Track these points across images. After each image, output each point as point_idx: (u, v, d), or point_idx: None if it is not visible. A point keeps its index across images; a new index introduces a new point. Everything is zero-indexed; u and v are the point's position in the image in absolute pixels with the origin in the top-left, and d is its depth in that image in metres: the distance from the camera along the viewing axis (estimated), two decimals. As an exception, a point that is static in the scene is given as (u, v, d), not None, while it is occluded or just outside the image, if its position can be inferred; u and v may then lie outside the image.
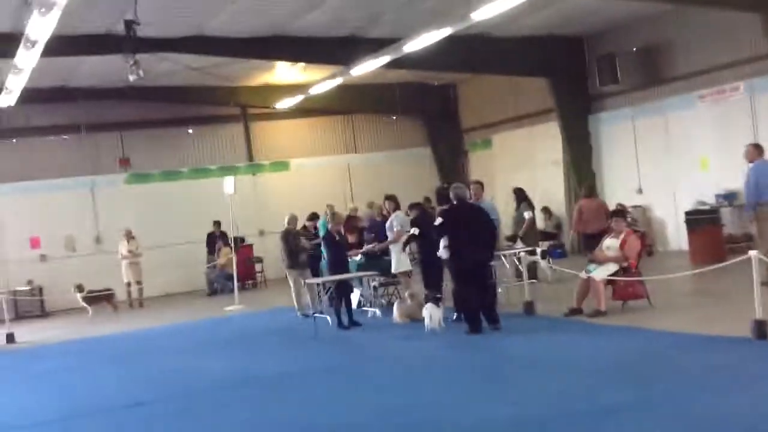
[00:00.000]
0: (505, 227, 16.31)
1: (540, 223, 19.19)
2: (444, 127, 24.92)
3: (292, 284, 14.22)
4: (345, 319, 12.46)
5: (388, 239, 13.71)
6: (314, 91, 20.02)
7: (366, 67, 17.07)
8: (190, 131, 23.11)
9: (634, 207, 18.39)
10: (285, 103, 21.89)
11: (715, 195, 16.67)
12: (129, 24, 13.79)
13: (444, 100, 24.96)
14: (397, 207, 14.04)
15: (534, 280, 13.83)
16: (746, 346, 8.25)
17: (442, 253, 11.15)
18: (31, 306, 19.94)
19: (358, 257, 14.42)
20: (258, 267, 22.23)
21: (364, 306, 14.08)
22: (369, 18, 16.32)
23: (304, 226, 14.62)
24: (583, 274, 11.29)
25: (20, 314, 19.44)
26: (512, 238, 15.49)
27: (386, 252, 13.98)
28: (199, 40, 16.46)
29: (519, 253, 12.86)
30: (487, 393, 7.88)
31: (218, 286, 20.95)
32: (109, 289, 19.18)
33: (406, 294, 12.66)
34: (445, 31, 14.40)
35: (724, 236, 15.77)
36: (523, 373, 8.62)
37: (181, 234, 21.87)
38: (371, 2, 15.28)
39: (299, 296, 14.15)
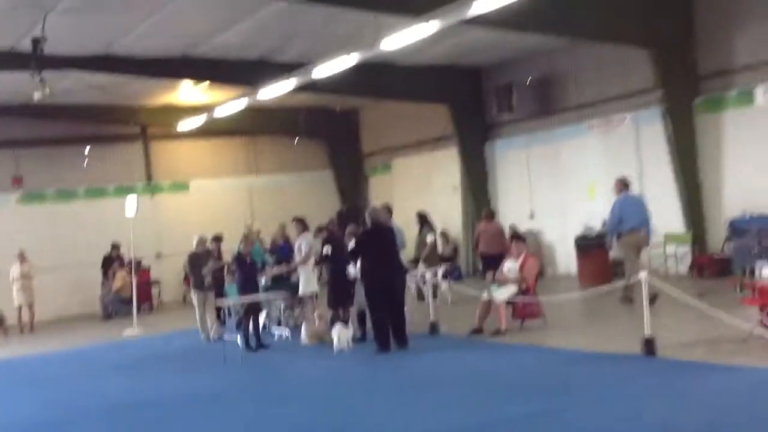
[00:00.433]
0: (408, 250, 16.75)
1: (438, 247, 19.74)
2: (346, 151, 25.37)
3: (196, 307, 14.18)
4: (253, 342, 12.56)
5: (296, 261, 13.91)
6: (219, 112, 20.08)
7: (274, 91, 17.31)
8: (87, 150, 22.66)
9: (526, 231, 19.17)
10: (187, 124, 21.82)
11: (602, 221, 17.57)
12: (36, 41, 13.60)
13: (346, 125, 25.40)
14: (305, 229, 14.24)
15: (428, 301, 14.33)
16: (637, 362, 8.87)
17: (352, 272, 11.46)
18: None
19: (262, 280, 14.54)
20: (155, 290, 21.94)
21: (269, 328, 14.20)
22: (279, 42, 16.58)
23: (208, 249, 14.61)
24: (484, 296, 11.81)
25: None
26: (415, 261, 15.96)
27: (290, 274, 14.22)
28: (108, 59, 16.40)
29: (425, 274, 13.28)
30: (400, 409, 8.20)
31: (113, 309, 20.56)
32: (-1, 312, 18.63)
33: (315, 315, 12.88)
34: (354, 58, 14.84)
35: (609, 261, 16.66)
36: (433, 389, 8.98)
37: (75, 256, 21.44)
38: (282, 27, 15.52)
39: (203, 319, 14.13)
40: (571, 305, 13.40)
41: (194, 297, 14.14)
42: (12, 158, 21.77)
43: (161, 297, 22.02)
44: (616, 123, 17.56)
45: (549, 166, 19.32)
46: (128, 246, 19.51)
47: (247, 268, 12.82)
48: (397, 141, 23.68)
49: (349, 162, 25.44)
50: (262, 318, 13.66)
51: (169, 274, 22.56)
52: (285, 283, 14.39)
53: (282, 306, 14.04)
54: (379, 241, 11.17)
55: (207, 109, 20.94)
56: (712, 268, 14.88)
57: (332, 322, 12.48)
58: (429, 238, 16.08)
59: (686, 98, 15.64)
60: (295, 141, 25.11)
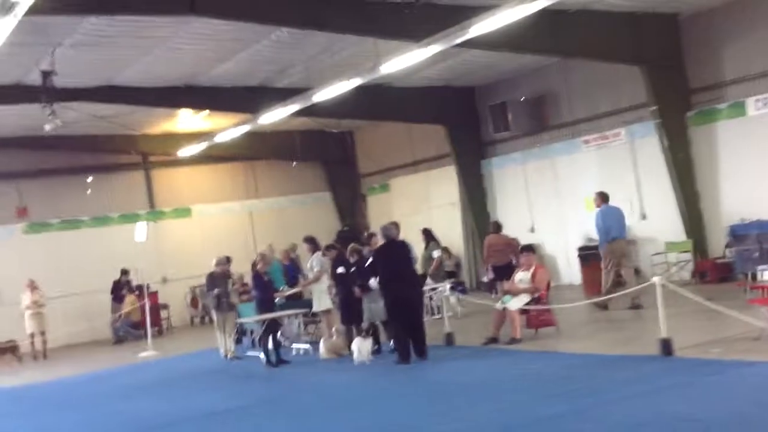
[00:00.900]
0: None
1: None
2: (343, 172, 25.84)
3: (217, 326, 14.51)
4: (273, 358, 12.92)
5: (308, 279, 14.30)
6: (220, 138, 20.46)
7: (274, 116, 17.68)
8: (90, 179, 22.99)
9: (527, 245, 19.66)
10: (188, 151, 22.16)
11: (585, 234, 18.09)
12: (47, 74, 14.00)
13: (342, 147, 25.85)
14: (316, 248, 14.64)
15: (441, 315, 14.75)
16: (655, 362, 9.30)
17: (373, 285, 11.86)
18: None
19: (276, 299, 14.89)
20: (163, 314, 22.23)
21: (284, 345, 14.51)
22: (278, 69, 17.03)
23: (226, 270, 14.92)
24: (498, 306, 12.25)
25: None
26: (422, 276, 16.34)
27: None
28: (111, 90, 16.83)
29: (438, 289, 13.70)
30: (431, 414, 8.56)
31: (124, 334, 20.84)
32: (12, 341, 18.83)
33: (333, 330, 13.26)
34: (354, 82, 15.28)
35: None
36: (459, 394, 9.34)
37: (82, 283, 21.67)
38: (281, 55, 15.98)
39: (224, 338, 14.45)
40: (580, 313, 13.85)
41: (215, 317, 14.46)
42: (16, 189, 22.06)
43: (170, 320, 22.27)
44: (610, 137, 18.12)
45: (546, 180, 19.82)
46: (136, 271, 19.91)
47: (264, 287, 13.18)
48: (394, 161, 24.17)
49: (346, 182, 25.90)
50: (279, 335, 14.00)
51: (174, 298, 22.88)
52: (297, 301, 14.78)
53: (299, 322, 14.37)
54: (395, 255, 11.59)
55: (207, 135, 21.31)
56: (714, 273, 15.40)
57: (347, 338, 12.93)
58: (435, 254, 16.54)
59: (679, 111, 16.21)
60: (293, 164, 25.54)
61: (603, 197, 14.58)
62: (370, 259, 11.84)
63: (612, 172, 18.05)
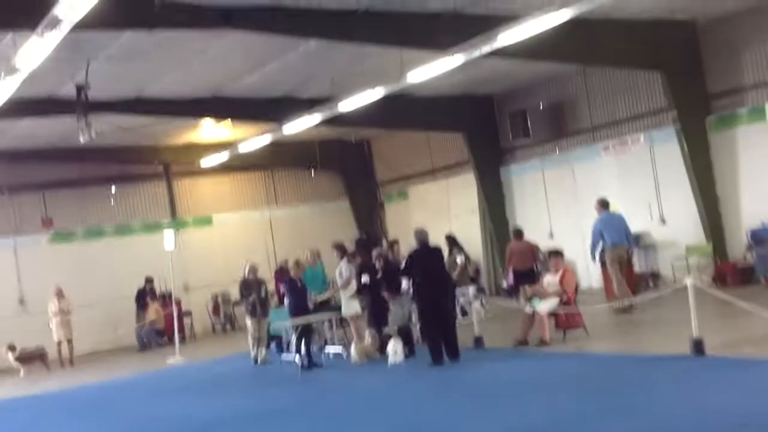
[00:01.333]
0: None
1: (466, 268, 20.46)
2: (360, 180, 26.12)
3: (250, 332, 14.75)
4: (306, 361, 13.17)
5: (338, 284, 14.56)
6: (243, 148, 20.78)
7: (298, 126, 18.00)
8: (113, 190, 23.37)
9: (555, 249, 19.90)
10: (210, 161, 22.51)
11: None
12: (80, 88, 14.34)
13: (360, 155, 26.15)
14: (344, 254, 14.89)
15: (467, 318, 15.06)
16: (688, 361, 9.52)
17: (405, 286, 12.15)
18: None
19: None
20: (187, 321, 22.53)
21: (316, 349, 14.75)
22: (303, 80, 17.33)
23: (257, 277, 15.20)
24: (528, 309, 12.49)
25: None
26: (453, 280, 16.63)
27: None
28: (140, 102, 17.16)
29: (466, 293, 13.99)
30: (470, 413, 8.80)
31: (148, 341, 21.14)
32: (40, 348, 19.14)
33: (366, 333, 13.51)
34: (379, 92, 15.57)
35: (635, 273, 17.38)
36: (496, 394, 9.58)
37: (106, 292, 21.98)
38: (308, 67, 16.26)
39: (258, 344, 14.69)
40: (605, 316, 14.08)
41: (248, 322, 14.72)
42: (41, 200, 22.46)
43: (193, 328, 22.58)
44: (630, 143, 18.37)
45: (565, 187, 20.06)
46: (162, 279, 20.23)
47: (298, 292, 13.46)
48: (412, 169, 24.45)
49: (364, 191, 26.16)
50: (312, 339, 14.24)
51: (196, 305, 23.19)
52: (326, 306, 15.04)
53: (329, 326, 14.62)
54: (428, 260, 11.88)
55: (228, 145, 21.67)
56: (735, 276, 15.60)
57: (377, 341, 13.21)
58: (459, 260, 16.78)
59: (698, 117, 16.45)
60: (312, 173, 25.85)
61: (603, 204, 15.07)
62: (404, 263, 12.11)
63: (631, 177, 18.31)
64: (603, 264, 17.63)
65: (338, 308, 14.45)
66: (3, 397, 15.59)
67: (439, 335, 11.67)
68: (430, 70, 14.12)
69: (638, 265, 17.85)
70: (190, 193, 24.62)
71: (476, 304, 15.97)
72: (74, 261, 22.12)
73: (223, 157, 21.89)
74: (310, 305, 14.24)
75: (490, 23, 12.66)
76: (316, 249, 17.46)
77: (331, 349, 14.36)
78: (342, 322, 14.79)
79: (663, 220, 17.86)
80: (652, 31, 15.82)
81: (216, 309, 23.47)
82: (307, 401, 10.93)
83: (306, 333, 13.23)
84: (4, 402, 14.97)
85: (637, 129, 18.10)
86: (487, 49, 12.79)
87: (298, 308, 13.36)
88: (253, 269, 14.92)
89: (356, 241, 24.25)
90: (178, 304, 21.98)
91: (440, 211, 23.44)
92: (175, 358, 17.57)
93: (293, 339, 13.49)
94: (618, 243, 14.65)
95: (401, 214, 25.09)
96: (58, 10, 9.29)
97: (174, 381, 14.76)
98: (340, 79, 16.97)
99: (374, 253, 14.17)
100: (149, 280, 21.46)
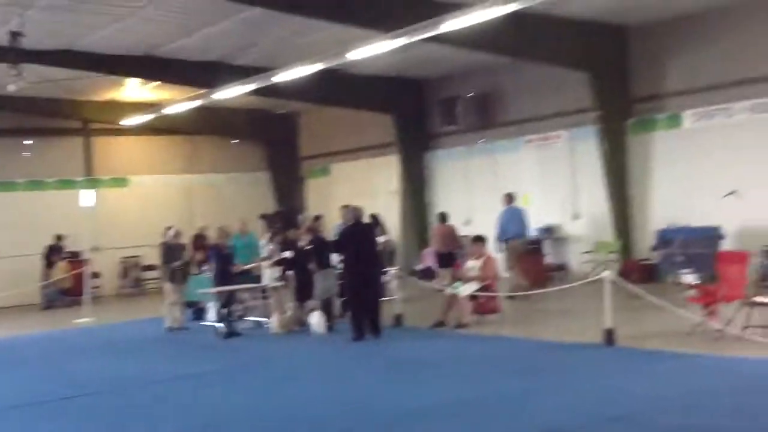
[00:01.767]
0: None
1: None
2: (284, 153, 26.04)
3: (168, 297, 14.61)
4: (226, 329, 13.19)
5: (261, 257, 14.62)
6: (169, 111, 20.43)
7: (229, 93, 17.83)
8: (28, 142, 22.63)
9: (463, 236, 20.35)
10: (132, 121, 22.06)
11: (537, 228, 18.94)
12: (15, 35, 13.92)
13: (285, 128, 26.06)
14: (270, 226, 14.96)
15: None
16: (598, 350, 10.03)
17: (335, 260, 12.32)
18: None
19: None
20: (94, 282, 22.02)
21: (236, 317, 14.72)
22: (239, 47, 17.18)
23: (180, 242, 15.05)
24: (448, 291, 12.83)
25: None
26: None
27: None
28: (72, 55, 16.72)
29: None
30: (389, 385, 9.09)
31: (53, 300, 20.65)
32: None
33: (287, 305, 13.61)
34: (316, 67, 15.58)
35: (545, 264, 18.02)
36: (415, 370, 9.87)
37: (12, 247, 21.36)
38: (247, 34, 16.13)
39: (173, 309, 14.58)
40: (520, 303, 14.57)
41: (167, 287, 14.57)
42: (-50, 148, 21.60)
43: (101, 289, 22.12)
44: (551, 138, 18.95)
45: (486, 176, 20.52)
46: (72, 238, 19.76)
47: (223, 260, 13.44)
48: (337, 146, 24.54)
49: (286, 164, 26.11)
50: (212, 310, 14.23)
51: (105, 267, 22.70)
52: (247, 275, 15.04)
53: (251, 296, 14.65)
54: (361, 236, 12.09)
55: (152, 106, 21.28)
56: (638, 273, 16.28)
57: (298, 314, 13.36)
58: (382, 239, 16.97)
59: (620, 119, 17.11)
60: (234, 141, 25.62)
61: (509, 198, 16.02)
62: (337, 238, 12.26)
63: (551, 172, 18.91)
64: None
65: (258, 278, 14.51)
66: None
67: (363, 312, 11.88)
68: (370, 49, 14.20)
69: (548, 257, 18.49)
70: (108, 152, 24.02)
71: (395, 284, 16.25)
72: (-19, 213, 21.38)
73: (145, 118, 21.49)
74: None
75: (435, 9, 12.85)
76: (245, 219, 17.50)
77: (251, 319, 14.39)
78: (264, 292, 14.85)
79: (576, 215, 18.54)
80: (586, 33, 16.35)
81: (125, 272, 23.09)
82: (227, 367, 10.97)
83: (229, 301, 13.22)
84: None
85: (560, 126, 18.67)
86: (429, 34, 12.97)
87: (223, 276, 13.33)
88: (178, 234, 14.77)
89: (277, 213, 24.34)
90: (88, 264, 21.58)
91: (362, 190, 23.57)
92: (84, 319, 17.22)
93: (214, 307, 13.46)
94: (516, 236, 15.58)
95: (322, 190, 25.17)
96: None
97: (86, 340, 14.54)
98: (277, 50, 16.89)
99: (303, 226, 14.29)
100: (59, 238, 20.91)
